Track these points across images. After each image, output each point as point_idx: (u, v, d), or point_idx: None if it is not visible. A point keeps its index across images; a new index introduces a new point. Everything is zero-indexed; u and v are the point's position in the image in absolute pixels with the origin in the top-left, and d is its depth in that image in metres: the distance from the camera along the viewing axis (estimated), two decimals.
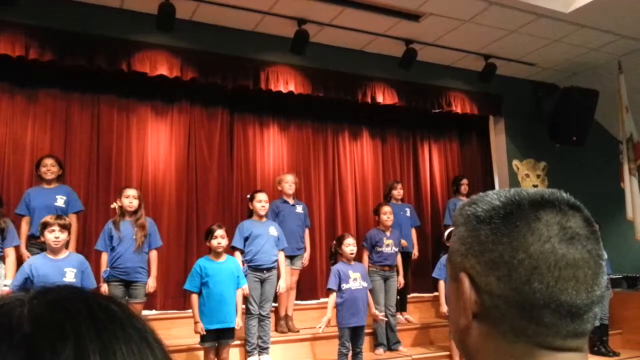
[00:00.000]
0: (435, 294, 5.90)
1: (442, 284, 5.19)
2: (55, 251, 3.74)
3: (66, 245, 3.90)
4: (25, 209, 4.47)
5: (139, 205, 4.45)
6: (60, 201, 4.50)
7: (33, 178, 4.91)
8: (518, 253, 0.61)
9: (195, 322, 4.16)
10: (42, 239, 3.87)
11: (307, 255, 5.50)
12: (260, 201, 4.86)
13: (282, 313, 5.27)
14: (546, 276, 0.60)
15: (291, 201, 5.45)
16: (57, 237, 3.70)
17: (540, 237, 0.61)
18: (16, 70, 4.96)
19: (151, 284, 4.46)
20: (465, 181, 6.52)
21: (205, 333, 4.14)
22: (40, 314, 0.40)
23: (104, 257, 4.34)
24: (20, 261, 4.11)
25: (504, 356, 0.63)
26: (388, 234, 5.37)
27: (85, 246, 4.94)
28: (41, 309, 0.40)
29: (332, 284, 4.58)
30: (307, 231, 5.55)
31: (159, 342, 0.44)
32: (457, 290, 0.67)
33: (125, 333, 0.41)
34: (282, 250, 4.93)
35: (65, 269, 3.70)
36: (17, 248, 4.20)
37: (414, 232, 6.14)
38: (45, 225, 3.73)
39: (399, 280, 5.52)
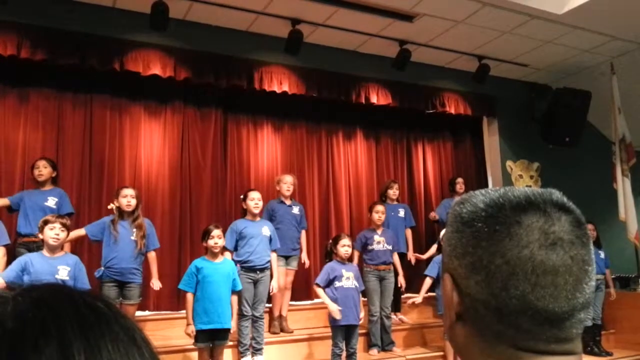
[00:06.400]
0: (431, 294, 5.90)
1: (427, 281, 5.23)
2: (52, 249, 3.74)
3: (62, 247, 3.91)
4: (17, 204, 4.48)
5: (137, 205, 4.41)
6: (51, 202, 4.49)
7: (25, 179, 4.90)
8: (495, 258, 0.60)
9: (188, 324, 4.14)
10: (36, 238, 3.90)
11: (304, 256, 5.44)
12: (253, 199, 4.81)
13: (276, 313, 5.25)
14: (522, 283, 0.58)
15: (288, 202, 5.42)
16: (57, 234, 3.71)
17: (518, 243, 0.59)
18: (7, 70, 4.92)
19: (156, 284, 4.46)
20: (460, 180, 6.53)
21: (194, 334, 4.11)
22: (23, 312, 0.39)
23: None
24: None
25: (488, 357, 0.62)
26: (379, 232, 5.36)
27: (77, 248, 4.90)
28: (25, 306, 0.40)
29: (320, 279, 4.57)
30: (303, 233, 5.51)
31: (146, 342, 0.43)
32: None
33: (112, 331, 0.41)
34: (275, 250, 4.91)
35: (59, 266, 3.70)
36: (6, 247, 4.23)
37: (409, 233, 6.12)
38: (46, 222, 3.74)
39: (400, 281, 5.46)
